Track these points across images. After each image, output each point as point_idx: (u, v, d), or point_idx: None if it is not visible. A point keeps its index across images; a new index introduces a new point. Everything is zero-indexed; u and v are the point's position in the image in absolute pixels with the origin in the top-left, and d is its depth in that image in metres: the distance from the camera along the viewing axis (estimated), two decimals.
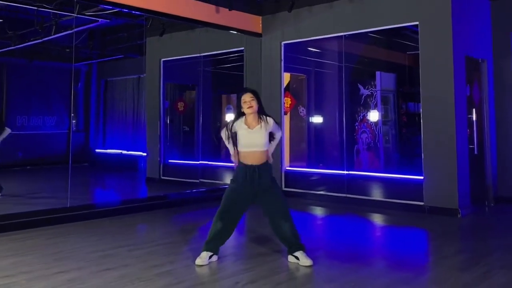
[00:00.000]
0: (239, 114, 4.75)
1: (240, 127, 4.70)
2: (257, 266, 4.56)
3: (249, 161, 4.65)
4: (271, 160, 4.83)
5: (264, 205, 4.74)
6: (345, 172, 8.51)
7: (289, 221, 4.69)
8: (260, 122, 4.69)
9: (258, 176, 4.62)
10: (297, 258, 4.61)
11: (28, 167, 11.93)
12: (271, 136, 4.83)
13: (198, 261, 4.56)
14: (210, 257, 4.63)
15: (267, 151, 4.74)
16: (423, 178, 7.39)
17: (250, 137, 4.65)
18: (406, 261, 4.90)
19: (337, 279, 4.17)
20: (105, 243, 5.44)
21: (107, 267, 4.46)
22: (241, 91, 4.85)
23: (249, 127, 4.67)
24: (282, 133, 8.81)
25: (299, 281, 4.24)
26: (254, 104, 4.67)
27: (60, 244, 5.38)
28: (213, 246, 4.66)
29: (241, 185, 4.65)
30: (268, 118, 4.75)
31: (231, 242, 5.19)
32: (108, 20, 9.39)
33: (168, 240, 5.63)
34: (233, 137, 4.78)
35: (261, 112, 4.75)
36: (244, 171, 4.64)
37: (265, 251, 5.06)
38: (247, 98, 4.68)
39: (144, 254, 4.94)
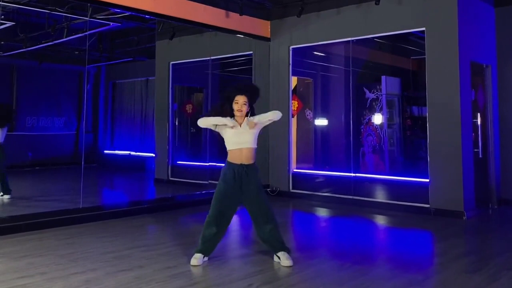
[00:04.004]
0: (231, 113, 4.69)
1: (229, 126, 4.66)
2: (270, 267, 4.60)
3: (238, 160, 4.64)
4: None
5: (249, 209, 4.79)
6: (352, 174, 8.56)
7: (272, 225, 4.72)
8: (244, 120, 4.69)
9: (246, 175, 4.62)
10: (279, 258, 4.67)
11: (37, 168, 11.79)
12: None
13: (194, 261, 4.61)
14: (203, 258, 4.69)
15: (255, 148, 4.72)
16: (429, 181, 7.42)
17: (239, 136, 4.64)
18: (413, 263, 4.91)
19: (347, 281, 4.21)
20: (118, 244, 5.46)
21: (122, 268, 4.51)
22: (240, 87, 4.75)
23: (237, 126, 4.66)
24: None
25: (310, 283, 4.24)
26: (244, 109, 4.68)
27: (75, 245, 5.40)
28: (207, 249, 4.72)
29: (230, 186, 4.65)
30: (251, 117, 4.73)
31: (242, 243, 5.24)
32: (119, 24, 9.40)
33: (180, 241, 5.62)
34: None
35: (250, 114, 4.75)
36: (233, 170, 4.64)
37: None
38: (240, 100, 4.67)
39: (157, 255, 4.96)
